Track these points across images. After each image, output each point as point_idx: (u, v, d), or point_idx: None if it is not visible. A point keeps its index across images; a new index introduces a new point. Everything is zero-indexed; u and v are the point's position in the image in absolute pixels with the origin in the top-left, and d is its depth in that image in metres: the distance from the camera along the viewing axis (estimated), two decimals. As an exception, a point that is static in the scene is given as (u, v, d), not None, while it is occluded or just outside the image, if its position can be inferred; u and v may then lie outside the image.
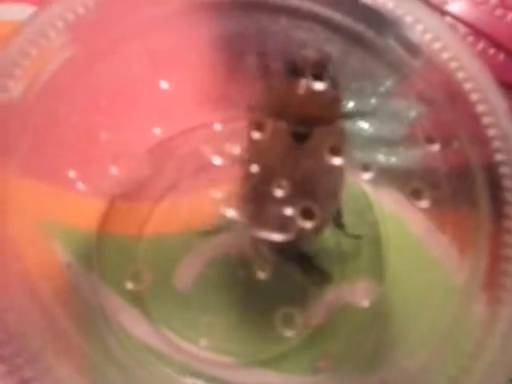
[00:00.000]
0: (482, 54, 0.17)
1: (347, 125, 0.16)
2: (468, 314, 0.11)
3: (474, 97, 0.11)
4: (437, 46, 0.12)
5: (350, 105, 0.15)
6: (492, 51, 0.17)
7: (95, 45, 0.12)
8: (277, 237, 0.12)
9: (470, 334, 0.11)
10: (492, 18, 0.17)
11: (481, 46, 0.17)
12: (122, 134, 0.12)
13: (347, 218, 0.15)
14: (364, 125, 0.15)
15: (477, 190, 0.11)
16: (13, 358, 0.10)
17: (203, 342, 0.14)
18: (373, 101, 0.15)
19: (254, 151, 0.12)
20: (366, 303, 0.14)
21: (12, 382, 0.10)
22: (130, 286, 0.14)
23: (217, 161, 0.12)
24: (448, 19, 0.18)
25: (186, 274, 0.14)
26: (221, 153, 0.12)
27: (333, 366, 0.14)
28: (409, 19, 0.12)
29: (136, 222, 0.14)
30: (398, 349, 0.13)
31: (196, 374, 0.14)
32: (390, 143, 0.15)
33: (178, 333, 0.14)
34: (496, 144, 0.11)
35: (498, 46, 0.17)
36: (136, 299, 0.14)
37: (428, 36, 0.12)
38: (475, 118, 0.11)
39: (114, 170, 0.12)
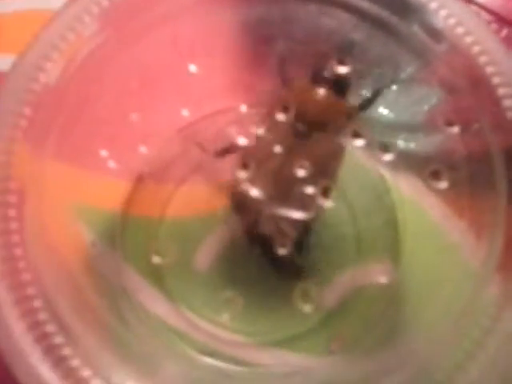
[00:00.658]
0: (506, 41, 0.17)
1: (367, 111, 0.16)
2: (481, 297, 0.11)
3: (495, 80, 0.11)
4: (460, 30, 0.12)
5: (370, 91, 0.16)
6: (515, 38, 0.17)
7: (126, 30, 0.12)
8: (298, 214, 0.12)
9: (482, 315, 0.11)
10: (515, 7, 0.17)
11: (504, 33, 0.17)
12: (151, 115, 0.13)
13: (365, 202, 0.15)
14: (384, 110, 0.15)
15: (495, 173, 0.11)
16: (44, 325, 0.11)
17: (223, 317, 0.14)
18: (394, 86, 0.15)
19: (278, 133, 0.12)
20: (383, 280, 0.14)
21: (41, 348, 0.10)
22: (156, 259, 0.14)
23: (242, 141, 0.13)
24: (472, 7, 0.18)
25: (206, 255, 0.15)
26: (246, 134, 0.12)
27: (347, 348, 0.14)
28: (433, 5, 0.12)
29: (159, 204, 0.15)
30: (410, 331, 0.13)
31: (215, 354, 0.14)
32: (409, 129, 0.15)
33: (197, 312, 0.14)
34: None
35: (522, 34, 0.17)
36: (156, 278, 0.15)
37: (451, 21, 0.12)
38: (496, 101, 0.11)
39: (143, 149, 0.13)
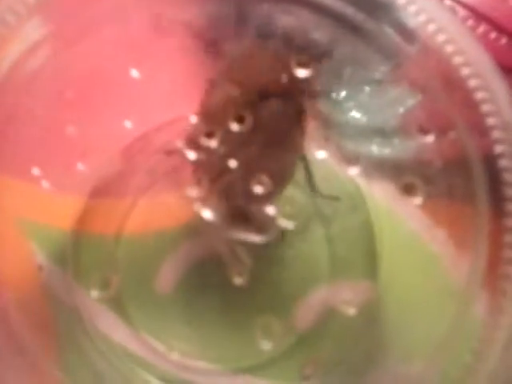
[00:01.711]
0: (483, 38, 0.16)
1: (339, 115, 0.15)
2: (467, 317, 0.11)
3: (472, 83, 0.10)
4: (432, 27, 0.11)
5: (343, 93, 0.15)
6: (493, 35, 0.16)
7: (62, 30, 0.11)
8: (256, 238, 0.11)
9: (468, 340, 0.10)
10: (493, 1, 0.17)
11: (481, 29, 0.16)
12: (90, 128, 0.12)
13: (340, 214, 0.14)
14: (356, 114, 0.15)
15: (474, 184, 0.10)
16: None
17: (185, 344, 0.13)
18: (366, 89, 0.14)
19: (233, 145, 0.11)
20: (360, 298, 0.13)
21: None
22: (112, 281, 0.13)
23: (192, 156, 0.11)
24: (447, 2, 0.17)
25: (167, 276, 0.14)
26: (196, 147, 0.11)
27: (321, 373, 0.13)
28: (402, 1, 0.11)
29: (112, 221, 0.14)
30: (391, 354, 0.12)
31: (178, 382, 0.13)
32: (383, 133, 0.14)
33: (158, 337, 0.13)
34: (496, 134, 0.10)
35: (500, 30, 0.16)
36: (114, 301, 0.14)
37: (422, 17, 0.11)
38: (474, 105, 0.10)
39: (81, 167, 0.12)
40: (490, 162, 0.10)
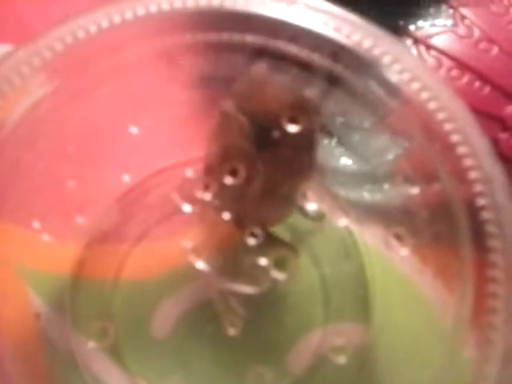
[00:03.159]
0: (468, 88, 0.17)
1: (331, 162, 0.15)
2: (456, 361, 0.11)
3: (454, 138, 0.11)
4: (415, 85, 0.11)
5: (334, 140, 0.15)
6: (477, 84, 0.17)
7: (63, 89, 0.11)
8: (249, 289, 0.11)
9: (459, 380, 0.11)
10: (476, 52, 0.17)
11: (466, 79, 0.17)
12: (89, 182, 0.12)
13: (332, 257, 0.15)
14: (347, 161, 0.15)
15: (459, 234, 0.11)
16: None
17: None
18: (356, 136, 0.15)
19: (226, 198, 0.11)
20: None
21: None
22: (110, 326, 0.13)
23: (186, 208, 0.12)
24: (433, 53, 0.18)
25: (161, 322, 0.14)
26: (191, 200, 0.12)
27: None
28: (386, 59, 0.12)
29: (109, 269, 0.14)
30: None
31: None
32: (374, 180, 0.15)
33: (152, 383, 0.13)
34: (478, 187, 0.10)
35: (484, 80, 0.17)
36: (111, 346, 0.14)
37: (406, 75, 0.11)
38: (456, 159, 0.11)
39: (80, 220, 0.12)
40: (473, 213, 0.10)
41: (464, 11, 0.18)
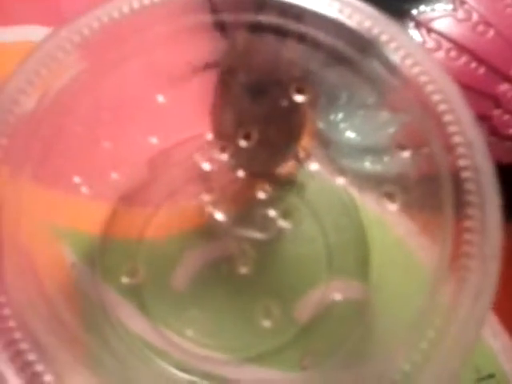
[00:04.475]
0: (465, 68, 0.18)
1: (336, 135, 0.17)
2: (436, 299, 0.12)
3: (441, 107, 0.12)
4: (409, 61, 0.13)
5: (339, 115, 0.16)
6: (474, 65, 0.18)
7: (98, 63, 0.13)
8: (259, 235, 0.13)
9: (437, 316, 0.12)
10: (474, 34, 0.18)
11: (463, 60, 0.18)
12: (122, 143, 0.13)
13: (335, 220, 0.16)
14: (351, 134, 0.16)
15: (442, 188, 0.12)
16: (18, 343, 0.11)
17: (195, 334, 0.15)
18: (360, 112, 0.16)
19: (241, 158, 0.13)
20: (354, 296, 0.14)
21: (15, 367, 0.11)
22: (125, 280, 0.15)
23: (206, 167, 0.13)
24: (433, 35, 0.19)
25: (181, 275, 0.15)
26: (211, 160, 0.13)
27: (318, 363, 0.14)
28: (384, 37, 0.13)
29: (136, 226, 0.15)
30: (379, 345, 0.14)
31: (192, 370, 0.14)
32: (375, 152, 0.16)
33: (174, 330, 0.15)
34: (460, 150, 0.12)
35: (479, 60, 0.18)
36: (134, 297, 0.15)
37: (401, 53, 0.13)
38: (443, 125, 0.12)
39: (115, 176, 0.14)
40: (456, 173, 0.12)
41: (463, -4, 0.19)
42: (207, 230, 0.14)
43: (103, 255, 0.15)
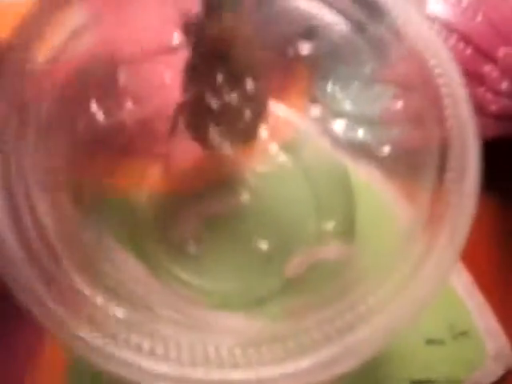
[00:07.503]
0: (454, 48, 0.19)
1: (333, 105, 0.17)
2: (410, 249, 0.13)
3: (440, 81, 0.13)
4: (412, 34, 0.13)
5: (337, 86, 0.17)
6: (462, 45, 0.19)
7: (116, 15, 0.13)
8: (260, 167, 0.14)
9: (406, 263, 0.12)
10: (464, 18, 0.19)
11: (453, 40, 0.19)
12: (136, 77, 0.14)
13: (327, 183, 0.17)
14: (348, 105, 0.17)
15: (429, 137, 0.13)
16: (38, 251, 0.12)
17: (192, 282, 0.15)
18: (356, 83, 0.17)
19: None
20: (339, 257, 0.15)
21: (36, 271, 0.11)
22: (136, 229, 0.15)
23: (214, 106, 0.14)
24: (427, 16, 0.20)
25: (184, 227, 0.16)
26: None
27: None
28: (394, 12, 0.14)
29: (138, 181, 0.16)
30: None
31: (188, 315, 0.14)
32: (369, 121, 0.16)
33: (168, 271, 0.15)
34: (446, 101, 0.13)
35: (467, 41, 0.19)
36: (135, 244, 0.15)
37: (408, 28, 0.14)
38: (439, 100, 0.13)
39: (129, 105, 0.14)
40: (445, 146, 0.13)
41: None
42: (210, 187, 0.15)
43: (105, 207, 0.16)
